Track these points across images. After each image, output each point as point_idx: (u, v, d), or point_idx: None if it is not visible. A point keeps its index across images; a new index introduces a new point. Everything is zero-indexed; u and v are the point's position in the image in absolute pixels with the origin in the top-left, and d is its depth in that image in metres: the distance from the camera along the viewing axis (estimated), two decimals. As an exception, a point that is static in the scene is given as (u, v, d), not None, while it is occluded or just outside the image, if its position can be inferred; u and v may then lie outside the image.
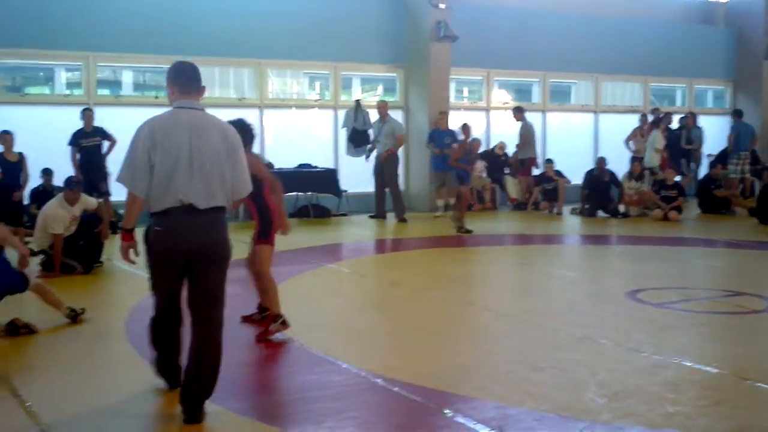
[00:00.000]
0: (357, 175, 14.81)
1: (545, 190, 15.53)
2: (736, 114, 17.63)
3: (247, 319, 6.75)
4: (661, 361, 5.68)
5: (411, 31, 15.49)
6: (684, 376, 5.39)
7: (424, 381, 5.20)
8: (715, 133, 18.32)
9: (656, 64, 18.31)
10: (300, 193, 14.52)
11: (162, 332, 4.91)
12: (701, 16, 19.63)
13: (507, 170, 16.38)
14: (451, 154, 13.22)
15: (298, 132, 15.27)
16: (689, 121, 17.47)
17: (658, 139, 15.73)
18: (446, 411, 4.68)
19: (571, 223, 14.37)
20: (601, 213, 14.80)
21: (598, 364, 5.62)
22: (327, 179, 14.52)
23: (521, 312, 7.36)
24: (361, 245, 11.92)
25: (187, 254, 4.49)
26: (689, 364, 5.60)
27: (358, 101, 15.01)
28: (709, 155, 17.51)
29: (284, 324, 6.24)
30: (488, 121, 16.97)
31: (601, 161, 15.25)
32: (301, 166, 14.54)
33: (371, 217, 14.17)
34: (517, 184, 16.13)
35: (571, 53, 17.10)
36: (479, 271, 9.96)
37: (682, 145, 17.05)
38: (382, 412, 4.86)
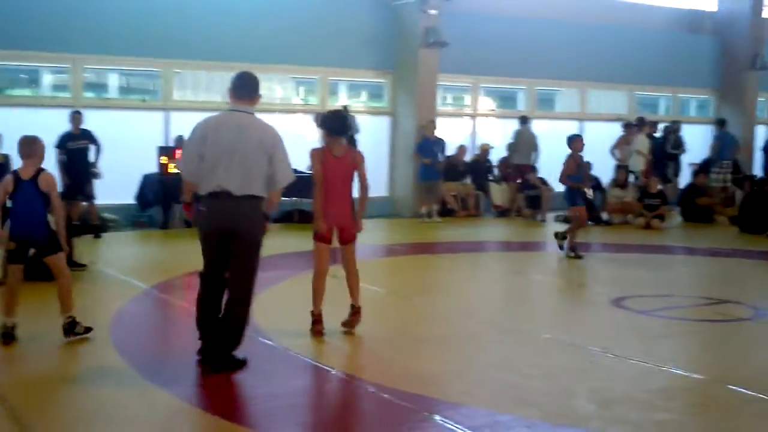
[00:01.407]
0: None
1: (529, 198, 15.58)
2: (720, 123, 17.79)
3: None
4: (650, 369, 5.73)
5: (400, 37, 15.50)
6: (673, 383, 5.44)
7: (414, 387, 5.21)
8: (698, 142, 18.44)
9: (642, 73, 18.39)
10: (284, 198, 14.48)
11: (203, 302, 5.53)
12: (688, 25, 19.73)
13: (491, 177, 16.42)
14: (563, 171, 11.07)
15: (284, 137, 15.19)
16: (674, 127, 17.54)
17: (643, 142, 15.83)
18: (436, 417, 4.70)
19: (553, 231, 14.39)
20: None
21: (587, 371, 5.67)
22: (313, 184, 14.47)
23: (509, 319, 7.40)
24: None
25: (222, 232, 5.34)
26: (677, 371, 5.66)
27: (345, 107, 14.96)
28: (691, 164, 17.62)
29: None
30: (474, 128, 17.02)
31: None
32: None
33: None
34: (502, 190, 16.17)
35: (558, 61, 17.16)
36: (465, 278, 9.98)
37: (667, 149, 17.12)
38: (371, 418, 4.88)
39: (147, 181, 13.23)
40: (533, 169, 15.86)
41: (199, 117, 5.45)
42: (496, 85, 17.55)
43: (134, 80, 15.20)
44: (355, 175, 6.63)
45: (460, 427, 4.53)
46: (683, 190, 16.30)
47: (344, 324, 6.52)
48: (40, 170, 6.25)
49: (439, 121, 15.51)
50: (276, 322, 6.78)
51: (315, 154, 6.51)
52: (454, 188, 15.58)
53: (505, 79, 17.23)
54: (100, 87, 14.67)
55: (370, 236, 13.21)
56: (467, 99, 17.15)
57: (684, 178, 17.54)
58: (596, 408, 4.88)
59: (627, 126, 16.49)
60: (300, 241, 12.12)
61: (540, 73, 17.20)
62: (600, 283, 9.58)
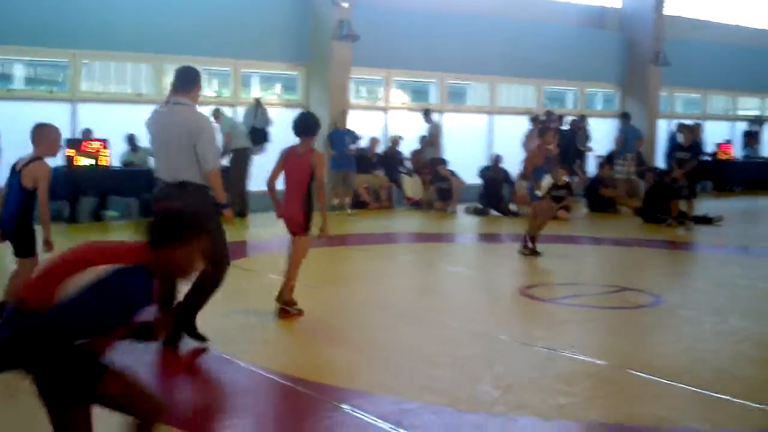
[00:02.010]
0: (260, 174, 14.74)
1: (440, 190, 15.81)
2: (624, 117, 18.33)
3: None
4: (553, 355, 5.93)
5: (313, 30, 15.52)
6: (575, 368, 5.64)
7: (324, 378, 5.30)
8: (603, 135, 18.97)
9: (550, 68, 18.82)
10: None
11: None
12: (595, 21, 20.27)
13: (403, 169, 16.60)
14: (527, 163, 10.83)
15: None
16: (581, 123, 18.00)
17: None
18: (344, 406, 4.79)
19: (465, 222, 14.69)
20: (493, 212, 15.16)
21: (493, 359, 5.84)
22: (223, 177, 14.34)
23: (419, 309, 7.53)
24: (260, 244, 11.92)
25: None
26: (579, 357, 5.87)
27: (257, 99, 14.96)
28: (596, 156, 18.12)
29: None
30: (386, 121, 17.17)
31: (496, 159, 15.66)
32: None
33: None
34: (414, 182, 16.38)
35: (468, 55, 17.43)
36: (376, 269, 10.10)
37: (577, 145, 17.58)
38: (282, 409, 4.94)
39: (54, 174, 12.93)
40: (443, 161, 16.09)
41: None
42: (407, 78, 17.74)
43: (41, 71, 14.87)
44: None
45: (367, 415, 4.63)
46: (589, 182, 16.78)
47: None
48: (34, 161, 6.05)
49: (353, 114, 15.61)
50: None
51: (282, 152, 7.02)
52: (366, 180, 15.70)
53: (417, 72, 17.43)
54: (5, 78, 14.31)
55: (283, 228, 13.24)
56: (380, 92, 17.29)
57: (590, 170, 18.04)
58: (501, 393, 5.04)
59: (535, 119, 16.83)
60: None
61: (451, 67, 17.44)
62: (508, 273, 9.81)
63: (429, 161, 16.14)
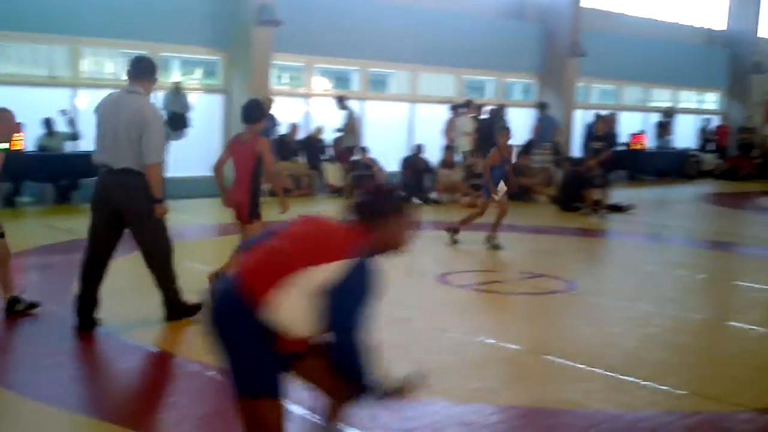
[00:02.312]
0: (178, 160, 14.56)
1: (361, 177, 15.85)
2: (541, 107, 18.68)
3: None
4: (468, 340, 6.06)
5: (233, 14, 15.34)
6: (489, 353, 5.79)
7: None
8: (521, 125, 19.28)
9: (470, 57, 19.02)
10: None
11: (82, 264, 6.03)
12: (514, 12, 20.55)
13: (324, 157, 16.61)
14: (487, 163, 10.74)
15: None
16: (500, 112, 18.25)
17: (467, 123, 16.45)
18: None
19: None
20: (413, 200, 15.28)
21: (409, 344, 5.93)
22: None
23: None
24: (176, 230, 11.77)
25: (106, 202, 5.91)
26: (493, 341, 6.02)
27: (177, 83, 14.77)
28: (515, 145, 18.38)
29: None
30: (309, 108, 17.14)
31: (418, 149, 15.78)
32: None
33: None
34: (336, 170, 16.40)
35: (390, 43, 17.50)
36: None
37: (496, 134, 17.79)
38: (197, 396, 4.93)
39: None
40: (363, 149, 16.16)
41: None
42: (329, 65, 17.72)
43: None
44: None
45: (285, 400, 4.66)
46: (507, 170, 17.05)
47: None
48: None
49: (275, 100, 15.52)
50: (104, 303, 6.68)
51: (229, 139, 7.23)
52: (287, 167, 15.67)
53: (339, 59, 17.42)
54: None
55: (201, 215, 13.14)
56: (302, 79, 17.23)
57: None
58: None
59: (454, 108, 17.04)
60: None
61: (372, 55, 17.48)
62: (427, 260, 9.91)
63: (345, 149, 16.16)
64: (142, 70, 6.06)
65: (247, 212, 6.97)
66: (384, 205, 3.36)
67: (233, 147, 7.02)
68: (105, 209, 5.92)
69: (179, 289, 6.24)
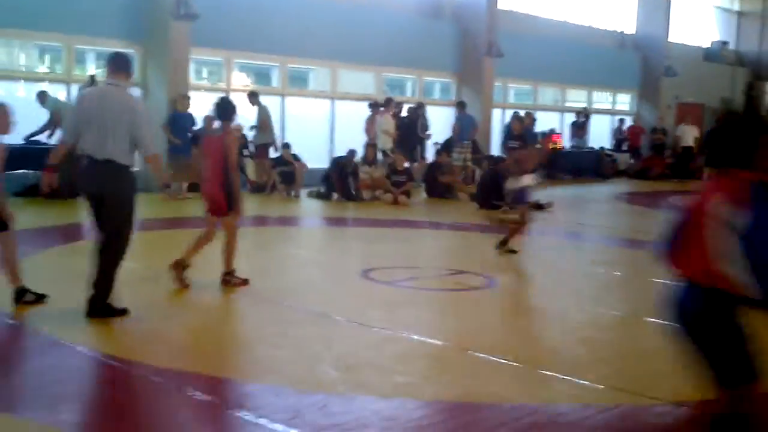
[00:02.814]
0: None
1: (283, 173, 15.76)
2: (460, 106, 18.86)
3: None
4: (391, 335, 6.07)
5: (150, 7, 15.05)
6: (412, 348, 5.80)
7: (164, 362, 5.21)
8: (441, 123, 19.45)
9: (389, 55, 19.09)
10: (29, 171, 13.70)
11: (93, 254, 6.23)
12: (432, 11, 20.70)
13: (246, 153, 16.43)
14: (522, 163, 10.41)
15: (28, 106, 14.24)
16: (419, 111, 18.36)
17: (388, 122, 16.51)
18: (187, 390, 4.74)
19: (308, 206, 14.73)
20: (335, 196, 15.25)
21: (332, 340, 5.91)
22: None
23: (259, 291, 7.49)
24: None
25: (89, 192, 6.15)
26: (416, 337, 6.04)
27: (92, 76, 14.39)
28: (434, 143, 18.55)
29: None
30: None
31: (351, 153, 15.59)
32: (29, 142, 13.69)
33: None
34: (257, 166, 16.26)
35: (310, 40, 17.42)
36: (214, 252, 9.98)
37: (418, 133, 17.94)
38: (121, 394, 4.83)
39: None
40: (286, 145, 16.04)
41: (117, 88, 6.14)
42: (249, 61, 17.54)
43: None
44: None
45: (210, 398, 4.60)
46: (427, 168, 17.17)
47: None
48: None
49: (194, 96, 15.29)
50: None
51: (203, 136, 7.54)
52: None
53: (259, 55, 17.26)
54: None
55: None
56: (222, 74, 17.00)
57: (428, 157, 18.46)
58: (340, 374, 5.12)
59: (374, 106, 17.07)
60: (46, 217, 11.60)
61: (293, 51, 17.38)
62: (350, 257, 9.93)
63: (261, 146, 15.91)
64: (120, 64, 6.24)
65: (222, 206, 7.22)
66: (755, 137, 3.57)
67: (205, 144, 7.33)
68: (90, 197, 6.16)
69: (111, 290, 6.21)
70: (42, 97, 13.53)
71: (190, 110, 14.83)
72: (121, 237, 6.19)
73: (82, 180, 6.23)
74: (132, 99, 6.25)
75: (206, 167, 7.33)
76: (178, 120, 14.38)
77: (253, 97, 15.77)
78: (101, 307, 6.15)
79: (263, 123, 15.83)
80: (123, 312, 6.22)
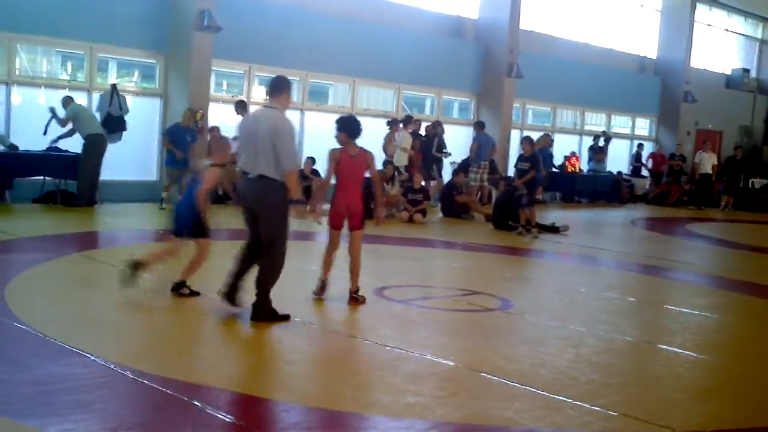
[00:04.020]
0: (114, 163, 14.31)
1: (302, 189, 15.76)
2: (479, 125, 18.85)
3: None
4: (404, 354, 6.05)
5: (173, 19, 15.18)
6: (424, 368, 5.78)
7: (174, 374, 5.21)
8: (459, 143, 19.46)
9: (410, 73, 19.14)
10: (48, 178, 13.81)
11: (239, 253, 6.95)
12: (454, 30, 20.76)
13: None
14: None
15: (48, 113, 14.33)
16: (437, 129, 18.36)
17: (405, 138, 16.53)
18: (196, 402, 4.74)
19: (323, 222, 14.67)
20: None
21: (345, 357, 5.90)
22: (76, 165, 13.73)
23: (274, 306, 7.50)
24: (112, 234, 11.59)
25: (245, 204, 6.79)
26: (429, 357, 6.02)
27: (114, 85, 14.50)
28: (452, 163, 18.57)
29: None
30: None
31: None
32: (49, 149, 13.78)
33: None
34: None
35: (331, 55, 17.50)
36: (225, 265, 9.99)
37: (433, 152, 17.96)
38: (130, 403, 4.83)
39: None
40: (311, 159, 16.06)
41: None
42: (269, 74, 17.59)
43: None
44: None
45: (220, 412, 4.60)
46: (444, 188, 17.17)
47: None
48: None
49: (213, 107, 15.36)
50: (33, 306, 6.52)
51: (334, 154, 7.73)
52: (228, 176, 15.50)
53: (279, 69, 17.28)
54: None
55: (138, 220, 12.93)
56: (242, 86, 17.08)
57: (446, 177, 18.46)
58: (352, 392, 5.11)
59: (393, 123, 17.09)
60: (62, 223, 11.66)
61: (313, 66, 17.46)
62: (364, 274, 9.83)
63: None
64: (276, 88, 6.89)
65: (362, 220, 7.81)
66: None
67: (342, 161, 7.69)
68: (246, 208, 6.82)
69: (268, 293, 6.75)
70: (66, 102, 13.65)
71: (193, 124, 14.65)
72: (274, 248, 6.72)
73: (240, 193, 6.86)
74: (280, 119, 6.70)
75: (345, 184, 7.73)
76: (179, 133, 14.19)
77: (240, 106, 15.34)
78: (264, 313, 6.70)
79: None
80: (285, 318, 6.74)
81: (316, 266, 7.98)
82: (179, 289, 7.37)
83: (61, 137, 13.72)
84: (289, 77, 17.74)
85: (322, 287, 7.79)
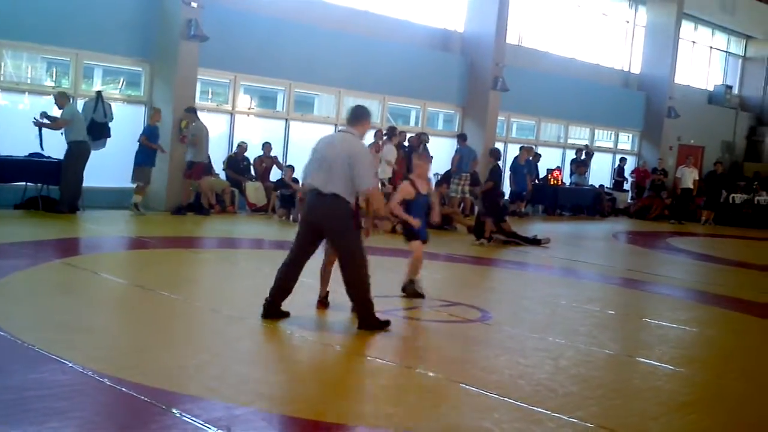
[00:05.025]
0: (97, 168, 14.26)
1: (283, 197, 15.80)
2: (461, 138, 18.94)
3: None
4: (383, 365, 6.06)
5: (160, 27, 15.17)
6: (405, 379, 5.79)
7: (153, 381, 5.20)
8: (442, 155, 19.51)
9: (395, 84, 19.20)
10: (29, 184, 13.74)
11: (280, 268, 7.33)
12: (440, 43, 20.84)
13: (247, 174, 16.51)
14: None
15: (32, 119, 14.24)
16: (422, 138, 18.40)
17: (390, 152, 16.57)
18: (174, 411, 4.72)
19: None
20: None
21: (325, 367, 5.91)
22: (59, 171, 13.68)
23: (254, 315, 7.50)
24: (93, 241, 11.54)
25: (310, 219, 7.20)
26: (409, 367, 6.03)
27: (99, 92, 14.47)
28: (435, 174, 18.60)
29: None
30: (233, 125, 17.01)
31: None
32: (31, 155, 13.72)
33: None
34: (257, 188, 16.31)
35: (317, 66, 17.53)
36: (213, 273, 10.00)
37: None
38: (108, 411, 4.81)
39: None
40: (290, 167, 16.11)
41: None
42: (255, 83, 17.64)
43: None
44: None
45: (196, 420, 4.58)
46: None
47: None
48: None
49: (199, 116, 15.34)
50: (11, 312, 6.49)
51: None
52: (210, 184, 15.54)
53: (265, 78, 17.36)
54: None
55: (119, 228, 12.89)
56: (227, 95, 17.08)
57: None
58: (332, 401, 5.12)
59: (377, 135, 17.14)
60: (43, 230, 11.61)
61: (299, 76, 17.49)
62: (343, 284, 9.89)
63: (191, 163, 15.08)
64: (356, 117, 7.33)
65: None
66: None
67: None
68: (310, 223, 7.20)
69: (371, 301, 7.15)
70: (61, 98, 13.57)
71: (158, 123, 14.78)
72: (354, 258, 7.12)
73: (307, 208, 7.25)
74: (358, 145, 7.17)
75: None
76: (154, 131, 14.52)
77: (189, 113, 15.12)
78: (368, 323, 7.07)
79: (197, 140, 15.04)
80: (386, 324, 7.14)
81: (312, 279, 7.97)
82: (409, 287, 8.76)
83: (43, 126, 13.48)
84: (275, 87, 17.90)
85: (323, 302, 7.93)
